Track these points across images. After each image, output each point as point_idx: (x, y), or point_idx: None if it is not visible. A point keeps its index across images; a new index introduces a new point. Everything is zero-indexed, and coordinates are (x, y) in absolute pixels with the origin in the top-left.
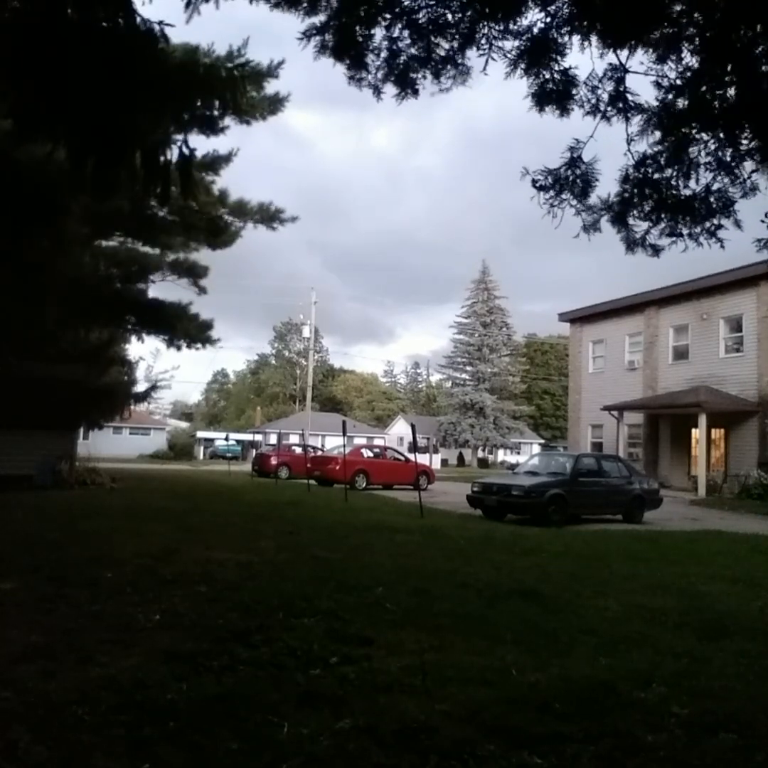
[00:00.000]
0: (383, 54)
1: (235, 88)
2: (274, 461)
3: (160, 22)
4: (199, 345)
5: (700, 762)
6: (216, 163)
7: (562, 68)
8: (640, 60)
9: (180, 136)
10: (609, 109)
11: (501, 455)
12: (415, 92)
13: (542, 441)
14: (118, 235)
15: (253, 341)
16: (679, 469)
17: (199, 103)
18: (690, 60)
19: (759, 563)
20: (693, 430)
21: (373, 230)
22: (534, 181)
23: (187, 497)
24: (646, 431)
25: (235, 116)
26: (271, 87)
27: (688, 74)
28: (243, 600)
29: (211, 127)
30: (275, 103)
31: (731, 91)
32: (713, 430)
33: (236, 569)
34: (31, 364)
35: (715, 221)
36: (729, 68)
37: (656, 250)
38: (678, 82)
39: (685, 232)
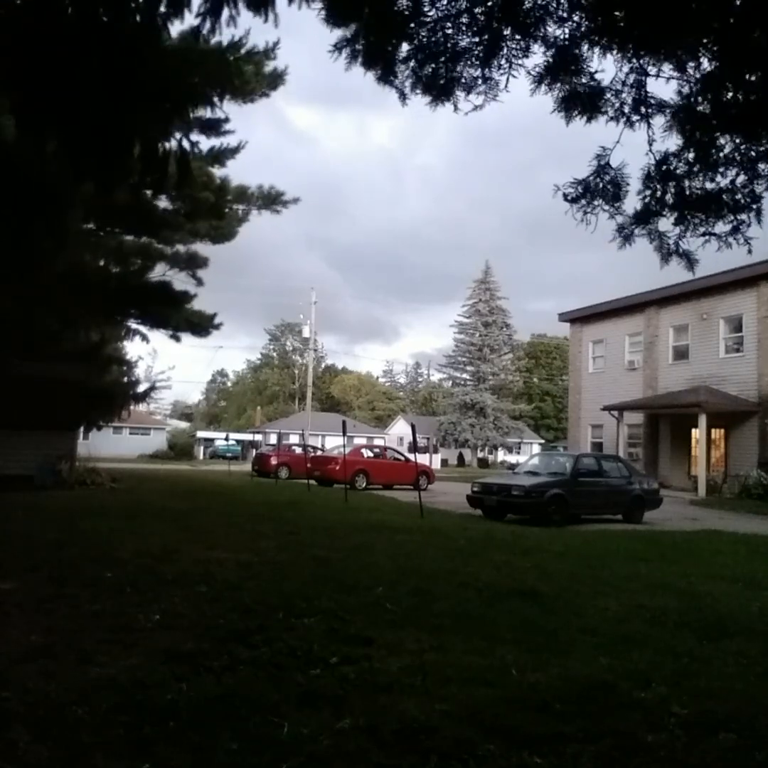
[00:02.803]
0: (411, 64)
1: (229, 68)
2: (274, 461)
3: (161, 14)
4: (201, 333)
5: (700, 762)
6: (223, 155)
7: (588, 75)
8: (660, 67)
9: (182, 128)
10: (633, 114)
11: (501, 455)
12: (448, 97)
13: (542, 441)
14: (119, 230)
15: (254, 339)
16: (679, 469)
17: (196, 82)
18: (708, 65)
19: (759, 563)
20: (693, 430)
21: (377, 228)
22: (565, 195)
23: (187, 497)
24: (646, 431)
25: (235, 97)
26: (269, 67)
27: (707, 79)
28: (243, 600)
29: (211, 106)
30: (275, 79)
31: (750, 94)
32: (713, 430)
33: (236, 569)
34: (31, 364)
35: (742, 216)
36: (746, 71)
37: (690, 260)
38: (698, 86)
39: (714, 231)
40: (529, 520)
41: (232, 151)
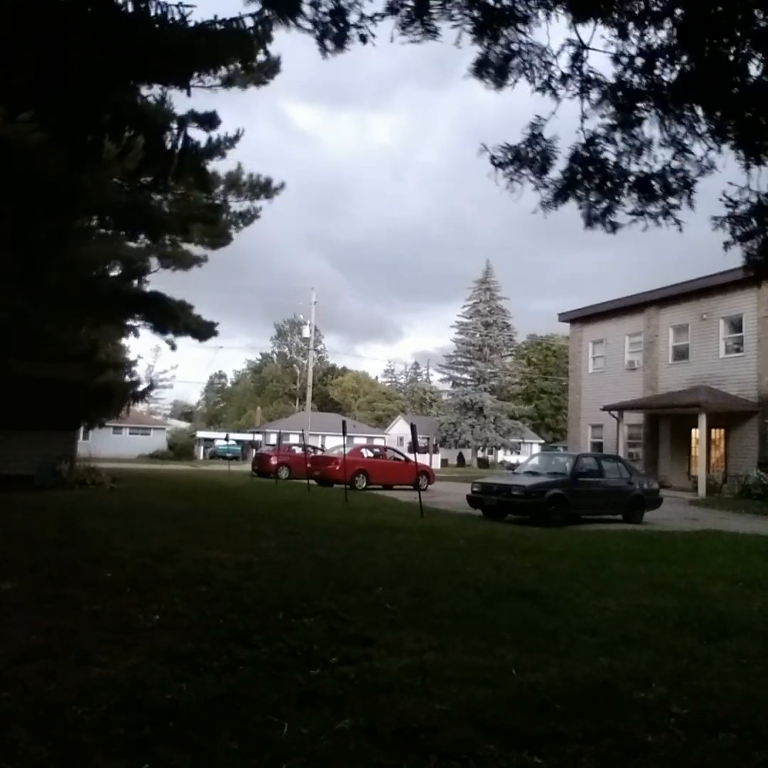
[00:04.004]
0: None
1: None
2: (274, 461)
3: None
4: (202, 337)
5: (700, 762)
6: (221, 146)
7: (512, 40)
8: (601, 33)
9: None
10: (560, 86)
11: (501, 455)
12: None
13: (542, 441)
14: (117, 230)
15: (255, 339)
16: (679, 469)
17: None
18: (653, 37)
19: (759, 563)
20: (693, 430)
21: (379, 227)
22: (492, 158)
23: (187, 497)
24: (646, 431)
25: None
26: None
27: (648, 51)
28: (243, 600)
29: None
30: (271, 66)
31: (688, 69)
32: (713, 430)
33: (236, 569)
34: (31, 364)
35: (673, 201)
36: (693, 47)
37: (614, 227)
38: (637, 59)
39: (645, 210)
40: (529, 520)
41: (231, 141)
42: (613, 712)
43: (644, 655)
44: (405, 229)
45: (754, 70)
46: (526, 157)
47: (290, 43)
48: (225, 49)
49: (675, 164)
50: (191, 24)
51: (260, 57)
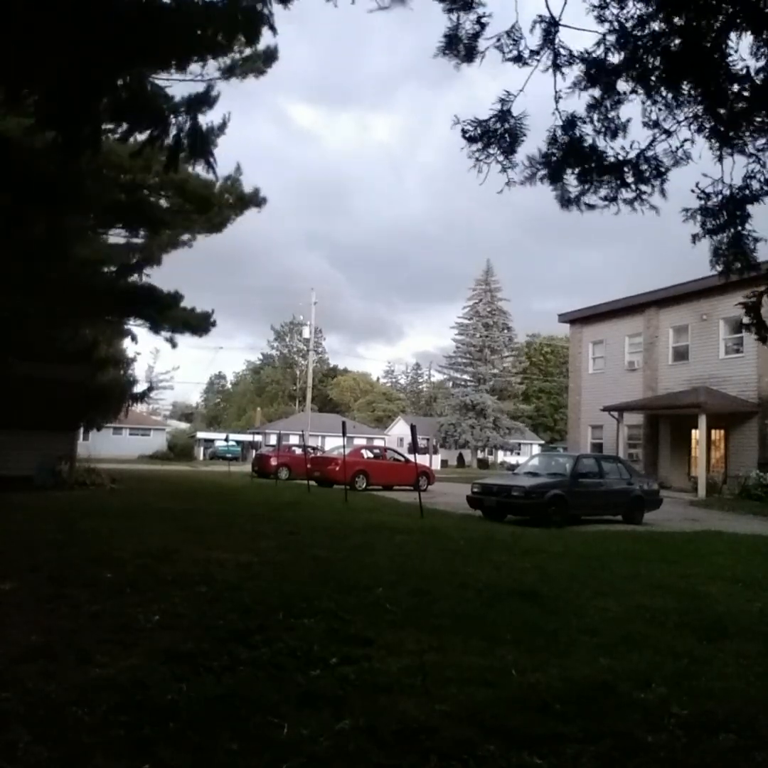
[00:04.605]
0: None
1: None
2: (274, 462)
3: None
4: (200, 332)
5: (700, 762)
6: (209, 134)
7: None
8: (579, 5)
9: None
10: (532, 58)
11: (501, 456)
12: None
13: (542, 442)
14: (114, 226)
15: (256, 339)
16: (679, 469)
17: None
18: (632, 7)
19: (759, 564)
20: (693, 431)
21: (380, 227)
22: (464, 131)
23: (187, 498)
24: (646, 432)
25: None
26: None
27: (629, 23)
28: (243, 600)
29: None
30: (268, 56)
31: (672, 46)
32: (713, 431)
33: (236, 569)
34: (31, 365)
35: (645, 188)
36: (675, 20)
37: (591, 207)
38: (615, 32)
39: (619, 195)
40: (529, 520)
41: (220, 129)
42: (613, 712)
43: (644, 655)
44: (406, 228)
45: (737, 48)
46: (495, 133)
47: (290, 43)
48: (226, 27)
49: (649, 153)
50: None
51: (260, 45)
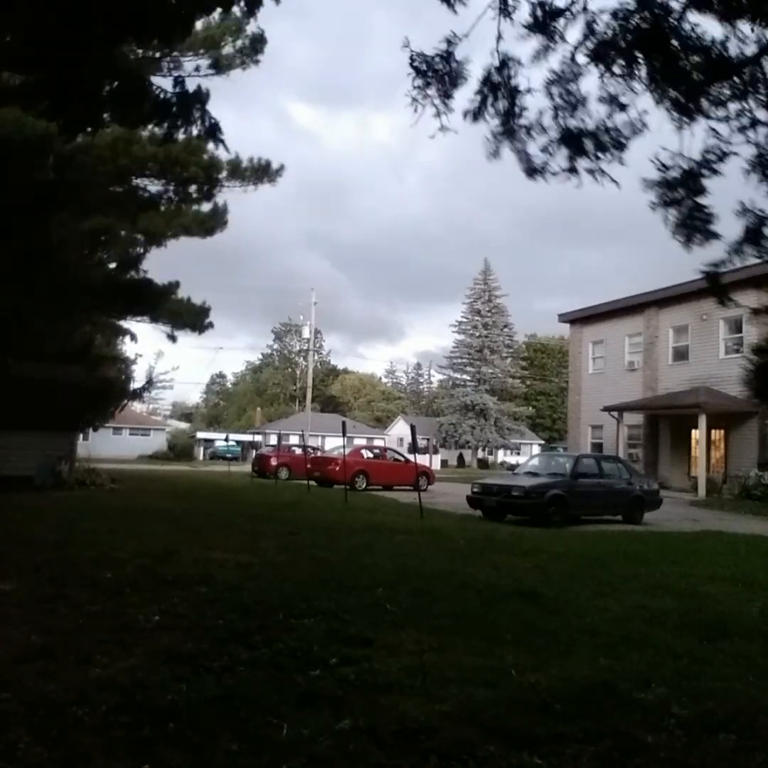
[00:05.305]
0: None
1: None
2: (274, 462)
3: None
4: (199, 328)
5: (700, 763)
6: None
7: None
8: None
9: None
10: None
11: (501, 456)
12: None
13: (542, 442)
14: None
15: (256, 339)
16: (679, 469)
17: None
18: None
19: (759, 564)
20: (693, 431)
21: (380, 227)
22: (412, 59)
23: (187, 498)
24: (646, 432)
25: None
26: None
27: None
28: (243, 601)
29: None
30: (256, 43)
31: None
32: (713, 431)
33: (236, 570)
34: (30, 365)
35: (603, 157)
36: None
37: (555, 175)
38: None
39: (579, 166)
40: (529, 520)
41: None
42: (613, 712)
43: (644, 655)
44: (406, 228)
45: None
46: (436, 71)
47: (291, 43)
48: None
49: (609, 123)
50: None
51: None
